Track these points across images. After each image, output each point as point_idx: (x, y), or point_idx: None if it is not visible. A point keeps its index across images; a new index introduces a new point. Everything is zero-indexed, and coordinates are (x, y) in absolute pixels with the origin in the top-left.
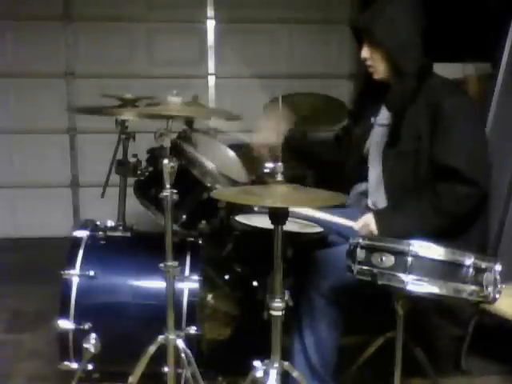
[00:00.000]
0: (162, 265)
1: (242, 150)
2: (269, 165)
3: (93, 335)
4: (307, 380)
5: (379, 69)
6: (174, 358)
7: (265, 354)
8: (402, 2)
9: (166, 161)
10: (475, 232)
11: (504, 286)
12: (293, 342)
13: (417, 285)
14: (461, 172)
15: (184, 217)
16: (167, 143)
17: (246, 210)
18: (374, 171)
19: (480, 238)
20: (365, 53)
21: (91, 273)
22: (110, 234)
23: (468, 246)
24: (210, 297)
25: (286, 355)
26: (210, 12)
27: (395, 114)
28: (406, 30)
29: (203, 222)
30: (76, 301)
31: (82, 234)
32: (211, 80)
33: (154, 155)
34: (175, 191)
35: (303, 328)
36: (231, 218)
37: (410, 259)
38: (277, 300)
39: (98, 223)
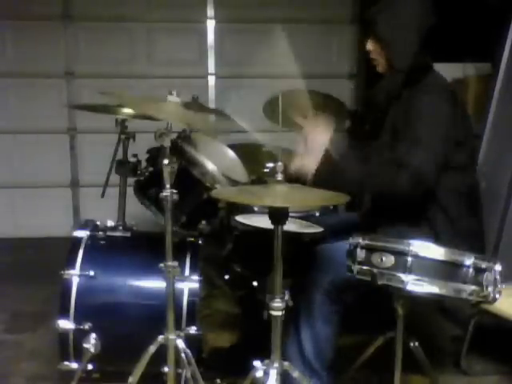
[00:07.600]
0: (162, 265)
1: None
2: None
3: (93, 335)
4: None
5: (380, 62)
6: (174, 358)
7: (265, 354)
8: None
9: (165, 161)
10: (468, 227)
11: (504, 285)
12: (288, 335)
13: (417, 285)
14: (404, 160)
15: (184, 217)
16: (167, 143)
17: (246, 209)
18: None
19: (474, 232)
20: (369, 45)
21: (91, 273)
22: (110, 233)
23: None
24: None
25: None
26: (210, 12)
27: (380, 107)
28: (406, 26)
29: (203, 222)
30: (76, 301)
31: (82, 234)
32: (211, 80)
33: (154, 155)
34: (175, 191)
35: (300, 322)
36: (231, 217)
37: (409, 259)
38: (277, 300)
39: (98, 223)
